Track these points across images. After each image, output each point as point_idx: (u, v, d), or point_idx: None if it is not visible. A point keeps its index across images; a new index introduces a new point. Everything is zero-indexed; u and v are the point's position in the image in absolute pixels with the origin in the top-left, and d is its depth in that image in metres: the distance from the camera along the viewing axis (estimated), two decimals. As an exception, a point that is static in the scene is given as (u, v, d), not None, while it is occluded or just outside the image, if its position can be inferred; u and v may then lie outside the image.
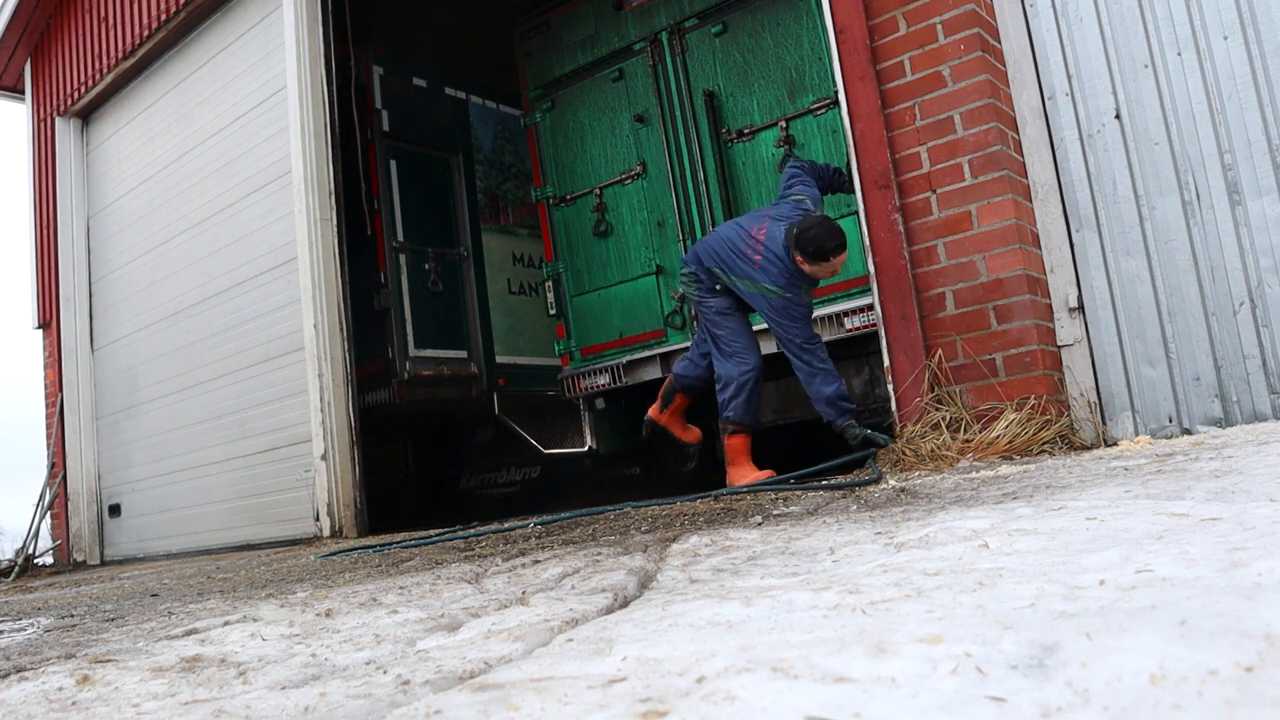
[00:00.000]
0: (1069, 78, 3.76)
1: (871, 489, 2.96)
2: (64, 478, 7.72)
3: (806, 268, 3.88)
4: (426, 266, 6.90)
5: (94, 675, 1.20)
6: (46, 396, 8.03)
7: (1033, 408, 3.46)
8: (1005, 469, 2.95)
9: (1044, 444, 3.35)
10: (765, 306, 4.03)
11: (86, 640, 1.79)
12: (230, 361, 6.46)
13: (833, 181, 4.35)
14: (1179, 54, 3.55)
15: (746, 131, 5.27)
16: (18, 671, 1.34)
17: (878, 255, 3.84)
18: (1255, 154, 3.40)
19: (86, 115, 8.14)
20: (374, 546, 4.03)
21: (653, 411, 4.61)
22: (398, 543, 4.05)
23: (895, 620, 0.97)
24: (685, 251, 5.47)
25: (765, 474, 4.03)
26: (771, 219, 4.08)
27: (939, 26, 3.76)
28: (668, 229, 5.62)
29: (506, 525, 4.22)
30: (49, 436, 7.88)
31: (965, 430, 3.49)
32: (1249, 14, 3.43)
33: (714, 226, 5.38)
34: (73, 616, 2.46)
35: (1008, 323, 3.57)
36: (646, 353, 5.64)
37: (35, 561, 7.33)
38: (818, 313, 4.93)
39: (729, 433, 4.16)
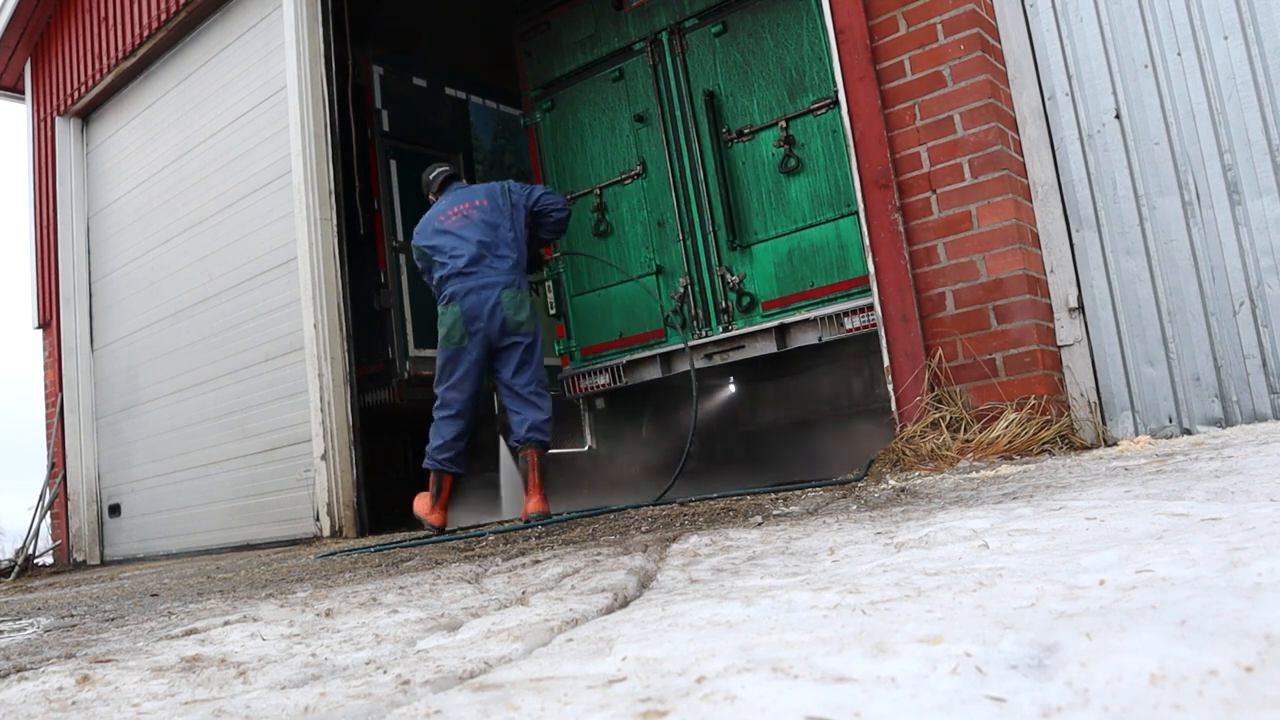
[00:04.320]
0: (1069, 78, 3.76)
1: (871, 489, 2.96)
2: (64, 478, 7.72)
3: None
4: (427, 266, 6.89)
5: (94, 675, 1.20)
6: (46, 396, 8.03)
7: (1033, 408, 3.46)
8: (1005, 469, 2.95)
9: (1044, 444, 3.35)
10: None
11: (86, 640, 1.79)
12: (230, 361, 6.46)
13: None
14: (1179, 54, 3.55)
15: (746, 131, 5.27)
16: (18, 671, 1.35)
17: (878, 255, 3.84)
18: (1255, 154, 3.40)
19: (86, 115, 8.14)
20: (374, 546, 4.03)
21: (433, 516, 4.54)
22: (398, 543, 4.05)
23: (895, 620, 0.97)
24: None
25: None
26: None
27: (939, 26, 3.76)
28: (668, 229, 5.62)
29: (506, 525, 4.22)
30: (49, 436, 7.88)
31: (965, 430, 3.49)
32: (1249, 14, 3.43)
33: (713, 226, 5.40)
34: (73, 616, 2.46)
35: (1008, 323, 3.57)
36: (646, 353, 5.64)
37: (35, 561, 7.33)
38: (818, 312, 4.94)
39: (545, 452, 4.49)
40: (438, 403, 4.55)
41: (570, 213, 4.78)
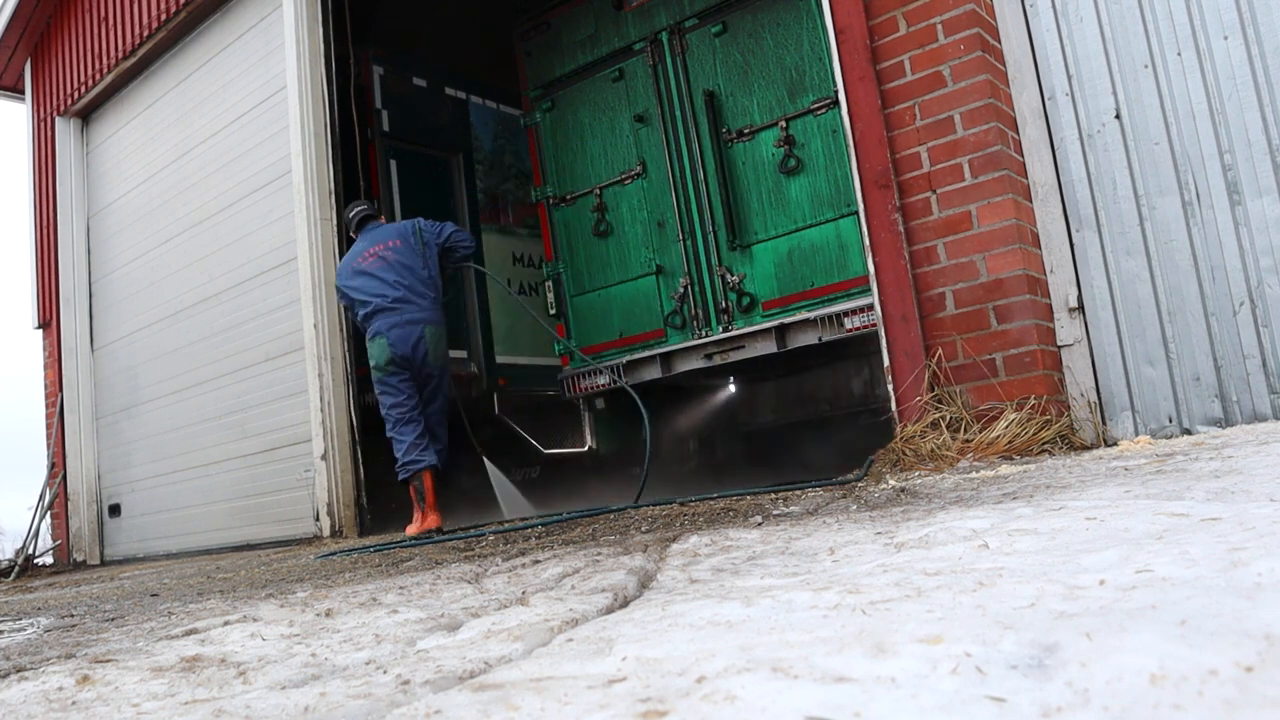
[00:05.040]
0: (1069, 78, 3.76)
1: (871, 489, 2.96)
2: (64, 478, 7.72)
3: None
4: (426, 266, 6.88)
5: (94, 675, 1.20)
6: (46, 396, 8.03)
7: (1033, 408, 3.45)
8: (1005, 469, 2.95)
9: (1044, 444, 3.35)
10: None
11: (86, 640, 1.79)
12: (230, 361, 6.46)
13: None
14: (1179, 54, 3.55)
15: (746, 131, 5.26)
16: (18, 671, 1.35)
17: (878, 255, 3.84)
18: (1255, 154, 3.40)
19: (86, 115, 8.13)
20: (374, 546, 4.04)
21: (428, 520, 4.62)
22: (398, 543, 4.05)
23: (895, 620, 0.97)
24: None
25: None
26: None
27: (939, 26, 3.76)
28: (668, 229, 5.62)
29: (506, 525, 4.22)
30: (49, 436, 7.88)
31: (965, 430, 3.49)
32: (1249, 14, 3.43)
33: (713, 226, 5.40)
34: (73, 616, 2.46)
35: (1008, 323, 3.57)
36: (646, 353, 5.64)
37: (35, 561, 7.33)
38: (818, 312, 4.94)
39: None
40: (387, 425, 4.81)
41: (475, 248, 5.39)
